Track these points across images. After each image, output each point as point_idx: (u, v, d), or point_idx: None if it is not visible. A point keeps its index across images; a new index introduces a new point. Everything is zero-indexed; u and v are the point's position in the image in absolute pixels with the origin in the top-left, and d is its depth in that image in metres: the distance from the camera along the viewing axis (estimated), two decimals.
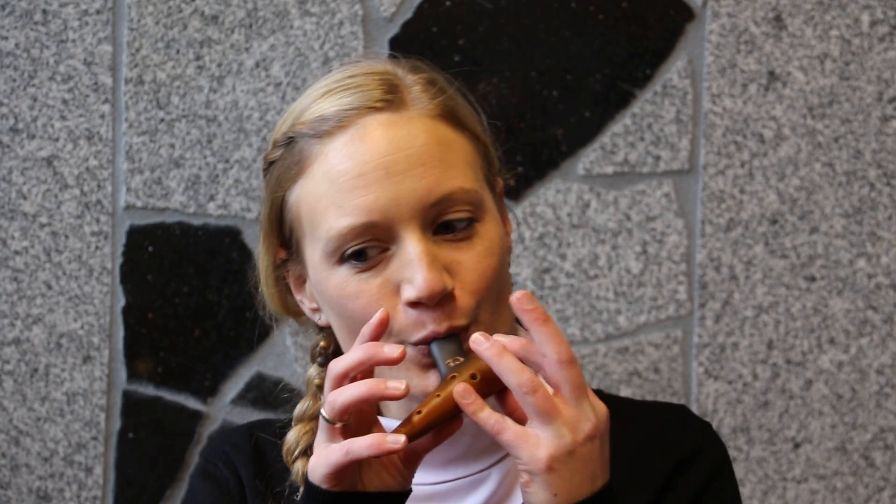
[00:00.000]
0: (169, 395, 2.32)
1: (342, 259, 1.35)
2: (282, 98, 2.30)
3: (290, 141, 1.40)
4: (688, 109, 2.34)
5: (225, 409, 2.32)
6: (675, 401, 2.33)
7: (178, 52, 2.30)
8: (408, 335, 1.33)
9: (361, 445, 1.23)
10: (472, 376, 1.25)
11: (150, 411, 2.31)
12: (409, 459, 1.29)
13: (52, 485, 2.30)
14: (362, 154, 1.35)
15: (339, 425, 1.25)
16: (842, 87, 2.35)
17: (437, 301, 1.32)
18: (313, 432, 1.45)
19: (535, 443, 1.21)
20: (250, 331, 2.31)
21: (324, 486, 1.25)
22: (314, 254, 1.38)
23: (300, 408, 1.48)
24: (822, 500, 2.36)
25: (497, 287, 1.37)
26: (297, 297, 1.46)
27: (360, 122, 1.36)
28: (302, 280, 1.44)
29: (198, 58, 2.30)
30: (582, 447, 1.22)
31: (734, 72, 2.34)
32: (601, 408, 1.24)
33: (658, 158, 2.34)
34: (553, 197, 2.33)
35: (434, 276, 1.32)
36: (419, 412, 1.25)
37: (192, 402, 2.32)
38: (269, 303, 1.48)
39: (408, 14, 2.32)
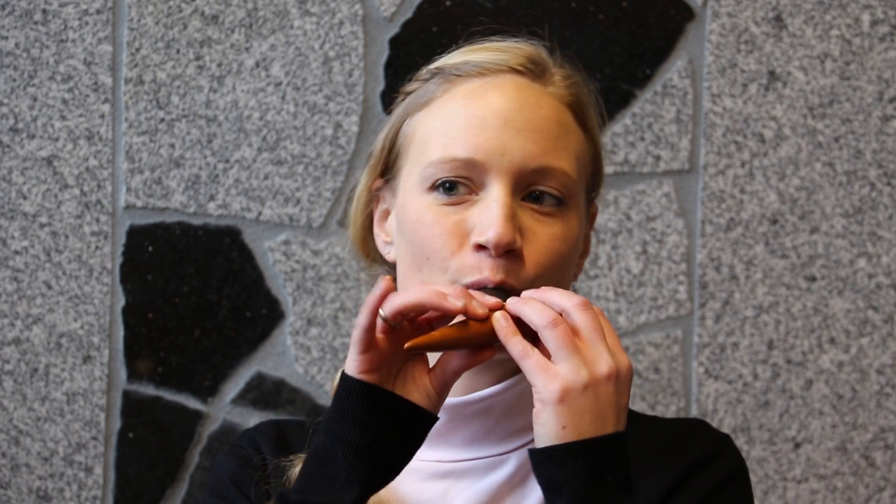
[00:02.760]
0: (169, 395, 2.32)
1: (433, 187, 1.40)
2: (282, 98, 2.30)
3: (431, 76, 1.46)
4: (688, 109, 2.34)
5: (225, 409, 2.32)
6: (675, 400, 2.33)
7: (178, 51, 2.30)
8: (462, 275, 1.37)
9: (419, 294, 1.29)
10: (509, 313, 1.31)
11: (150, 411, 2.31)
12: (440, 383, 1.32)
13: (52, 485, 2.30)
14: (489, 99, 1.41)
15: (384, 326, 1.29)
16: (842, 87, 2.35)
17: (502, 253, 1.36)
18: None
19: (554, 373, 1.26)
20: (250, 331, 2.31)
21: (357, 375, 1.29)
22: (410, 177, 1.43)
23: (334, 383, 1.50)
24: (822, 500, 2.36)
25: (558, 276, 1.40)
26: (377, 229, 1.50)
27: (499, 77, 1.43)
28: (386, 214, 1.48)
29: (198, 58, 2.30)
30: (597, 387, 1.26)
31: (734, 72, 2.34)
32: (623, 358, 1.29)
33: (658, 158, 2.34)
34: None
35: (508, 227, 1.36)
36: (465, 322, 1.30)
37: (192, 402, 2.32)
38: (352, 228, 1.53)
39: (408, 14, 2.32)
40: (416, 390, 1.31)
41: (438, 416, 1.32)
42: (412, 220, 1.41)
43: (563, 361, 1.26)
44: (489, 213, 1.37)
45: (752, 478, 2.34)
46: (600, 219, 2.33)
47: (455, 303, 1.29)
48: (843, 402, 2.36)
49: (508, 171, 1.39)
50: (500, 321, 1.29)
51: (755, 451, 2.35)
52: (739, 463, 1.47)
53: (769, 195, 2.35)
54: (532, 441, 1.41)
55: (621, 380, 1.28)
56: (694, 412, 2.34)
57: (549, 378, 1.25)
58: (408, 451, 1.31)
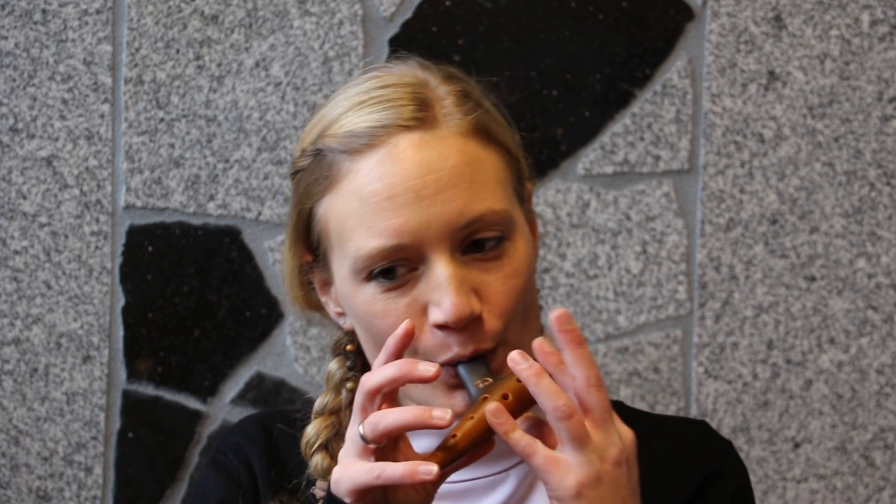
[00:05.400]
0: (169, 395, 2.32)
1: (370, 277, 1.36)
2: (282, 98, 2.30)
3: (318, 152, 1.40)
4: (688, 109, 2.34)
5: (225, 408, 2.32)
6: (674, 400, 2.33)
7: (177, 51, 2.30)
8: (433, 356, 1.34)
9: (394, 473, 1.22)
10: (504, 396, 1.25)
11: (150, 411, 2.31)
12: (436, 481, 1.28)
13: (52, 484, 2.30)
14: (392, 176, 1.34)
15: (372, 446, 1.25)
16: (842, 87, 2.35)
17: (464, 325, 1.32)
18: (333, 426, 1.45)
19: (566, 469, 1.21)
20: (250, 331, 2.31)
21: (347, 501, 1.25)
22: (341, 268, 1.38)
23: (321, 401, 1.48)
24: (822, 499, 2.36)
25: (524, 305, 1.37)
26: (323, 298, 1.46)
27: (391, 142, 1.36)
28: (328, 284, 1.44)
29: (198, 57, 2.30)
30: (610, 473, 1.22)
31: (734, 71, 2.34)
32: (627, 433, 1.24)
33: (658, 158, 2.34)
34: (553, 197, 2.33)
35: (462, 300, 1.32)
36: (454, 436, 1.24)
37: (191, 402, 2.32)
38: (294, 301, 1.49)
39: (408, 14, 2.32)
40: (409, 489, 1.26)
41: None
42: (362, 312, 1.37)
43: (576, 454, 1.21)
44: (439, 291, 1.32)
45: (752, 478, 2.34)
46: (600, 218, 2.33)
47: (444, 416, 1.23)
48: (842, 402, 2.36)
49: (440, 239, 1.33)
50: (496, 417, 1.22)
51: (755, 451, 2.35)
52: (744, 475, 1.47)
53: (769, 195, 2.35)
54: None
55: (630, 457, 1.24)
56: (693, 412, 2.34)
57: (562, 474, 1.21)
58: None
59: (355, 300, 1.37)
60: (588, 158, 2.34)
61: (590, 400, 1.22)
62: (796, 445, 2.36)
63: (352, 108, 1.39)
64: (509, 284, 1.35)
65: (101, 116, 2.29)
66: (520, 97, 2.33)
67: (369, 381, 1.25)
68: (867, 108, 2.35)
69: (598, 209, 2.33)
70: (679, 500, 1.41)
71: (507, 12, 2.32)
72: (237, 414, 2.31)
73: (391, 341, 1.27)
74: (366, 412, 1.25)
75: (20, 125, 2.29)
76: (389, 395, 1.27)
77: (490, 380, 1.30)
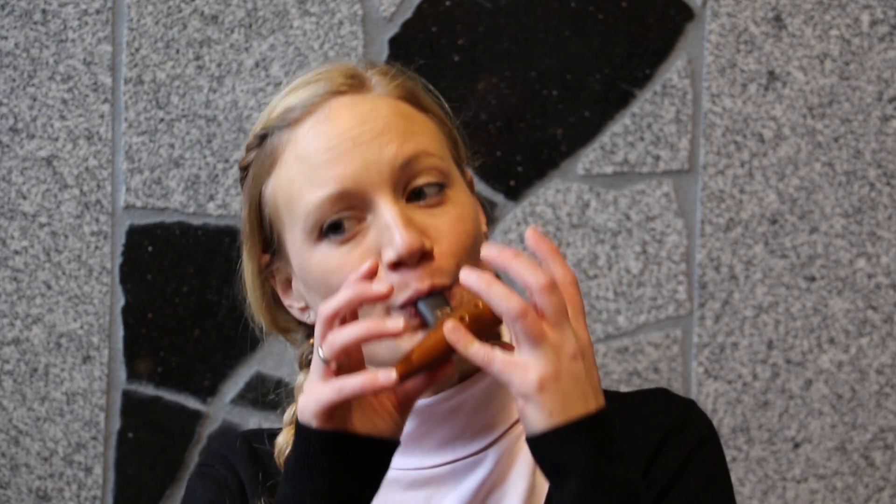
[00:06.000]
0: (169, 395, 2.32)
1: (321, 235, 1.38)
2: None
3: (261, 140, 1.44)
4: (687, 109, 2.34)
5: (225, 409, 2.32)
6: None
7: (177, 51, 2.30)
8: (393, 299, 1.35)
9: (354, 383, 1.25)
10: (461, 318, 1.28)
11: (150, 411, 2.31)
12: (400, 404, 1.31)
13: (52, 484, 2.30)
14: (329, 130, 1.39)
15: (333, 366, 1.27)
16: (842, 87, 2.35)
17: (418, 260, 1.35)
18: None
19: (525, 367, 1.24)
20: (250, 331, 2.31)
21: (313, 425, 1.27)
22: (295, 240, 1.41)
23: (290, 412, 1.50)
24: (821, 499, 2.36)
25: (475, 253, 1.39)
26: (286, 301, 1.47)
27: (326, 106, 1.41)
28: (288, 282, 1.46)
29: (197, 58, 2.30)
30: (567, 368, 1.25)
31: (734, 71, 2.34)
32: (583, 333, 1.28)
33: (658, 158, 2.34)
34: (553, 197, 2.33)
35: (412, 234, 1.35)
36: (413, 352, 1.28)
37: (191, 402, 2.32)
38: (257, 313, 1.51)
39: (408, 14, 2.33)
40: (376, 416, 1.30)
41: (399, 441, 1.31)
42: (318, 275, 1.39)
43: (533, 351, 1.24)
44: (388, 230, 1.35)
45: (752, 478, 2.34)
46: (600, 218, 2.33)
47: (396, 324, 1.26)
48: (842, 402, 2.36)
49: (381, 181, 1.37)
50: (453, 333, 1.26)
51: (755, 450, 2.35)
52: (708, 426, 1.48)
53: (769, 195, 2.35)
54: (506, 433, 1.42)
55: (587, 356, 1.27)
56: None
57: (523, 372, 1.24)
58: (375, 482, 1.30)
59: (311, 265, 1.39)
60: (588, 158, 2.34)
61: (543, 301, 1.25)
62: (796, 445, 2.36)
63: (287, 94, 1.45)
64: (458, 227, 1.38)
65: (101, 116, 2.29)
66: (519, 97, 2.33)
67: (326, 307, 1.28)
68: (867, 108, 2.35)
69: (597, 209, 2.33)
70: (641, 459, 1.42)
71: (507, 12, 2.32)
72: (237, 414, 2.32)
73: (353, 276, 1.29)
74: (325, 338, 1.28)
75: (20, 125, 2.29)
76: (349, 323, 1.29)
77: (449, 310, 1.33)
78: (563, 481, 1.25)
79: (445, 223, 1.38)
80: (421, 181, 1.39)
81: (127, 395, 2.31)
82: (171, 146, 2.30)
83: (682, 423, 1.46)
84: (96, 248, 2.30)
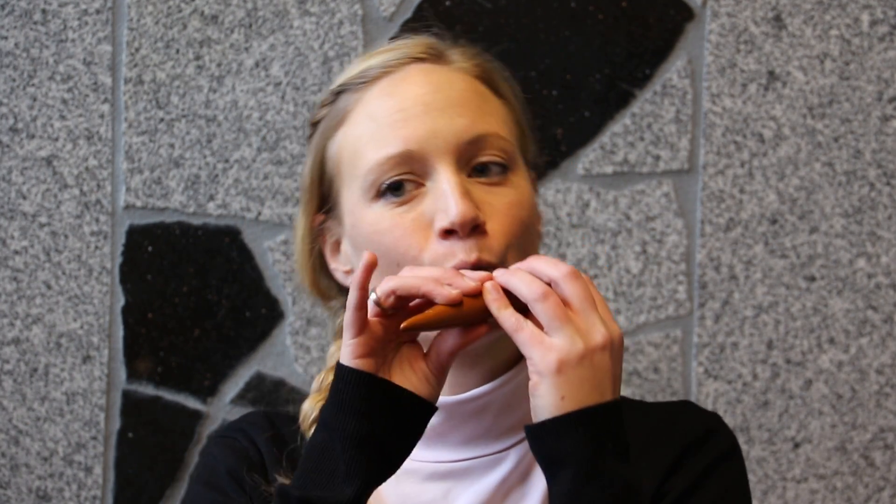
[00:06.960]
0: (169, 395, 2.32)
1: (378, 194, 1.39)
2: (281, 98, 2.30)
3: (335, 97, 1.45)
4: (687, 109, 2.34)
5: (225, 408, 2.32)
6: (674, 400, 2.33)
7: (177, 51, 2.30)
8: (438, 265, 1.36)
9: (398, 285, 1.28)
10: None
11: (150, 411, 2.31)
12: (437, 366, 1.30)
13: (52, 484, 2.30)
14: (403, 91, 1.41)
15: (377, 309, 1.28)
16: (842, 87, 2.35)
17: (469, 232, 1.35)
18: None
19: (549, 346, 1.24)
20: (250, 331, 2.32)
21: (352, 361, 1.27)
22: (352, 195, 1.41)
23: (318, 379, 1.50)
24: (821, 499, 2.36)
25: (525, 241, 1.40)
26: (332, 265, 1.48)
27: (404, 69, 1.43)
28: (337, 245, 1.47)
29: (197, 57, 2.30)
30: (593, 356, 1.25)
31: (734, 71, 2.34)
32: (615, 327, 1.27)
33: (658, 158, 2.34)
34: (553, 197, 2.33)
35: (467, 204, 1.35)
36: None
37: (191, 402, 2.32)
38: (300, 271, 1.51)
39: (408, 14, 2.33)
40: (413, 376, 1.30)
41: (437, 406, 1.31)
42: (369, 234, 1.40)
43: (557, 333, 1.24)
44: (444, 197, 1.36)
45: (752, 478, 2.34)
46: (600, 218, 2.33)
47: (450, 291, 1.27)
48: (842, 402, 2.36)
49: (446, 151, 1.38)
50: (490, 293, 1.27)
51: (755, 451, 2.35)
52: (730, 440, 1.48)
53: (768, 195, 2.35)
54: None
55: (615, 349, 1.27)
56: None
57: (545, 350, 1.24)
58: (407, 443, 1.29)
59: (364, 223, 1.40)
60: (588, 158, 2.34)
61: (566, 289, 1.26)
62: (796, 445, 2.36)
63: (368, 56, 1.47)
64: (513, 210, 1.39)
65: (101, 116, 2.29)
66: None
67: (389, 282, 1.28)
68: (867, 108, 2.35)
69: (597, 209, 2.33)
70: (662, 470, 1.41)
71: (507, 12, 2.32)
72: (237, 414, 2.31)
73: (357, 275, 1.29)
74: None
75: (20, 125, 2.29)
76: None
77: None
78: (557, 473, 1.25)
79: (503, 204, 1.39)
80: (486, 157, 1.40)
81: (127, 395, 2.31)
82: (171, 146, 2.30)
83: (704, 437, 1.46)
84: (96, 248, 2.30)
